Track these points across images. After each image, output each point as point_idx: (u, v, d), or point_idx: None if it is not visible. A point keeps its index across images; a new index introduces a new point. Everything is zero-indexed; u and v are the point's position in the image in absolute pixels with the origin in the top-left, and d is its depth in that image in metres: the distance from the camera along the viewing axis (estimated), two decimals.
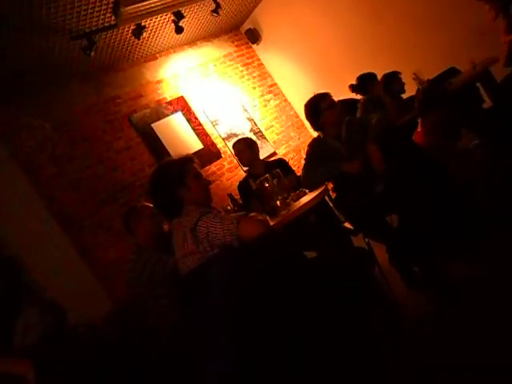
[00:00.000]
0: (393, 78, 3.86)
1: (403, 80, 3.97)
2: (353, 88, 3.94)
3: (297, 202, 2.45)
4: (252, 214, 1.77)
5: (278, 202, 2.35)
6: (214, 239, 1.71)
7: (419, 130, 3.13)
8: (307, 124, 5.57)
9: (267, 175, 2.39)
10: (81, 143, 4.37)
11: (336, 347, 1.91)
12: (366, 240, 2.64)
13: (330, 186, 2.84)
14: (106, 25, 3.97)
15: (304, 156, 5.92)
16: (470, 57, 3.61)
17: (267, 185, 2.37)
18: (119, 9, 3.74)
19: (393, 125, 2.94)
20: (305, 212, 2.30)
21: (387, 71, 3.94)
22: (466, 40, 4.19)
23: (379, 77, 3.95)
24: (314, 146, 2.83)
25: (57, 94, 4.41)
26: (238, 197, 3.16)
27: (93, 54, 3.96)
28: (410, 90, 3.94)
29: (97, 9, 3.68)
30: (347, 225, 3.01)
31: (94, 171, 4.36)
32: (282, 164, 3.30)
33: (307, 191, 2.63)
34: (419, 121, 3.11)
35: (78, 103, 4.52)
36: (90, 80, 4.66)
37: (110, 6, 3.71)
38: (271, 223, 2.17)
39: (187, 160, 1.90)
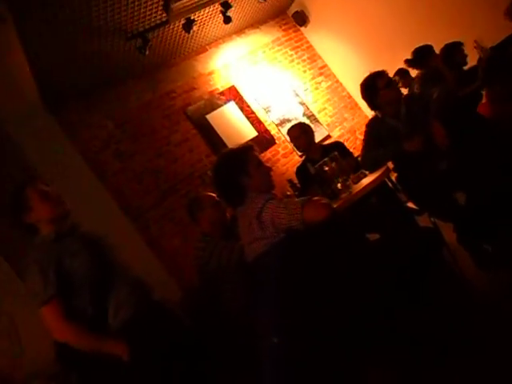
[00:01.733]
0: (454, 50, 3.65)
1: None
2: (409, 63, 3.79)
3: (357, 184, 2.43)
4: (316, 197, 1.78)
5: (339, 185, 2.35)
6: (279, 224, 1.74)
7: (484, 101, 2.97)
8: (361, 104, 5.46)
9: (326, 159, 2.39)
10: (141, 139, 4.57)
11: (403, 331, 1.89)
12: (432, 219, 2.57)
13: (391, 166, 2.78)
14: (158, 22, 4.10)
15: (359, 137, 5.82)
16: None
17: (327, 168, 2.37)
18: (170, 5, 3.84)
19: (455, 98, 2.81)
20: (366, 194, 2.28)
21: (445, 43, 3.73)
22: None
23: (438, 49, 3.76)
24: (371, 126, 2.77)
25: (116, 94, 4.64)
26: (296, 182, 3.18)
27: (147, 52, 4.10)
28: (472, 60, 3.73)
29: (149, 7, 3.80)
30: (410, 205, 2.94)
31: (155, 164, 4.55)
32: (339, 146, 3.26)
33: (367, 173, 2.59)
34: (484, 92, 2.95)
35: (136, 101, 4.73)
36: (146, 77, 4.84)
37: (161, 3, 3.81)
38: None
39: (248, 148, 1.94)
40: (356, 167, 2.84)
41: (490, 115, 2.75)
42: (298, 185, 3.13)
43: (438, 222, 2.54)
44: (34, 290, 1.77)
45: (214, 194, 2.59)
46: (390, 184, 3.01)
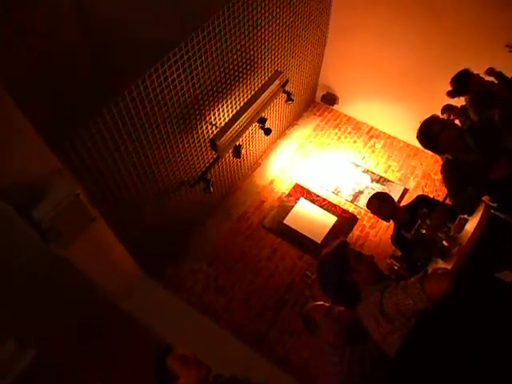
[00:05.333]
0: None
1: None
2: (452, 94, 3.71)
3: (463, 233, 2.28)
4: (431, 271, 1.70)
5: (444, 242, 2.22)
6: (405, 311, 1.65)
7: None
8: (422, 147, 5.30)
9: (419, 222, 2.30)
10: (235, 266, 4.73)
11: None
12: None
13: (486, 199, 2.61)
14: (211, 161, 4.48)
15: (435, 177, 5.57)
16: None
17: (424, 231, 2.27)
18: (216, 144, 4.22)
19: None
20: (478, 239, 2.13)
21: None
22: None
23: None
24: (447, 170, 2.68)
25: (199, 239, 4.95)
26: (397, 253, 3.04)
27: (212, 189, 4.43)
28: None
29: (200, 153, 4.21)
30: None
31: (255, 285, 4.62)
32: (423, 201, 3.14)
33: (467, 216, 2.45)
34: None
35: (217, 234, 5.00)
36: (218, 210, 5.16)
37: (209, 145, 4.21)
38: (449, 266, 2.04)
39: (342, 245, 1.94)
40: (449, 213, 2.69)
41: None
42: (401, 255, 2.99)
43: None
44: None
45: (321, 303, 2.51)
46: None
